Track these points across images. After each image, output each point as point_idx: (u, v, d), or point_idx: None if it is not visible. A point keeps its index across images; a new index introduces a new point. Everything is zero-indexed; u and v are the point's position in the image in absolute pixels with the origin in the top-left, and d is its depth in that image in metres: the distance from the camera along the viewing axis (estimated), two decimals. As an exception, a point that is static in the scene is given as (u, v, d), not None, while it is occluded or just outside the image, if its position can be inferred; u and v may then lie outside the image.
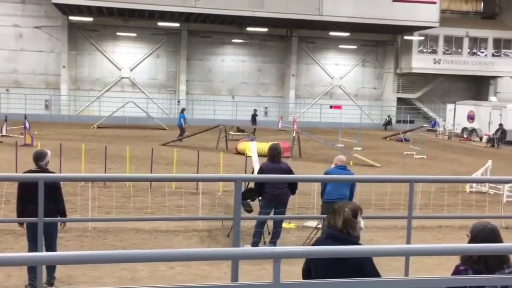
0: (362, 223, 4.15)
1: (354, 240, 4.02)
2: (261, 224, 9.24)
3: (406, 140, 30.52)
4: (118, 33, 38.39)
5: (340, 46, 41.68)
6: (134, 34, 38.68)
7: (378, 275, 3.89)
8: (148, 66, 39.82)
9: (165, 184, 13.10)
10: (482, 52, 42.20)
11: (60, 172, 12.82)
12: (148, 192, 12.82)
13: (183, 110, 29.73)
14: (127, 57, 39.28)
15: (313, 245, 4.14)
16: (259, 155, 11.88)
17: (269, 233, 9.49)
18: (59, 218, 7.11)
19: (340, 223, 4.02)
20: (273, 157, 9.24)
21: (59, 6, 33.52)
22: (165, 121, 34.72)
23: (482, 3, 46.36)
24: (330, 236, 4.06)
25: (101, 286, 7.27)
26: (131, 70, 39.37)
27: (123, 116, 35.36)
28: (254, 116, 34.82)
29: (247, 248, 3.02)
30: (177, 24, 37.85)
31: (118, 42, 39.04)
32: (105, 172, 14.22)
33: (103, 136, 26.91)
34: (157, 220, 10.70)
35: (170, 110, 39.80)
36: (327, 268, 3.89)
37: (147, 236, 9.80)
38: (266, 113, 40.07)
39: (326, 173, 8.95)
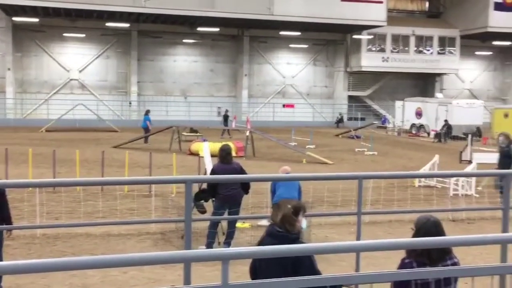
0: (304, 222, 4.20)
1: (293, 237, 4.06)
2: (214, 225, 9.22)
3: (357, 137, 31.08)
4: (65, 34, 37.47)
5: (291, 46, 42.07)
6: (83, 35, 37.84)
7: (316, 271, 3.96)
8: (98, 67, 39.05)
9: (116, 187, 12.87)
10: (428, 50, 43.48)
11: (6, 178, 12.41)
12: (99, 195, 12.56)
13: (147, 112, 28.84)
14: (76, 59, 38.38)
15: (257, 244, 4.17)
16: (213, 156, 11.84)
17: (223, 234, 9.49)
18: (4, 226, 6.89)
19: (279, 218, 4.07)
20: (223, 158, 9.25)
21: (2, 7, 32.45)
22: (116, 123, 34.16)
23: (427, 3, 47.78)
24: (269, 233, 4.12)
25: (51, 294, 7.08)
26: (80, 71, 38.51)
27: (73, 119, 34.54)
28: (225, 117, 34.30)
29: (196, 250, 3.01)
30: (127, 25, 37.27)
31: (65, 43, 38.10)
32: (54, 177, 13.85)
33: (52, 140, 26.21)
34: (109, 225, 10.50)
35: (121, 112, 39.17)
36: (268, 265, 3.96)
37: (98, 240, 9.61)
38: (219, 113, 39.97)
39: (273, 184, 9.09)
